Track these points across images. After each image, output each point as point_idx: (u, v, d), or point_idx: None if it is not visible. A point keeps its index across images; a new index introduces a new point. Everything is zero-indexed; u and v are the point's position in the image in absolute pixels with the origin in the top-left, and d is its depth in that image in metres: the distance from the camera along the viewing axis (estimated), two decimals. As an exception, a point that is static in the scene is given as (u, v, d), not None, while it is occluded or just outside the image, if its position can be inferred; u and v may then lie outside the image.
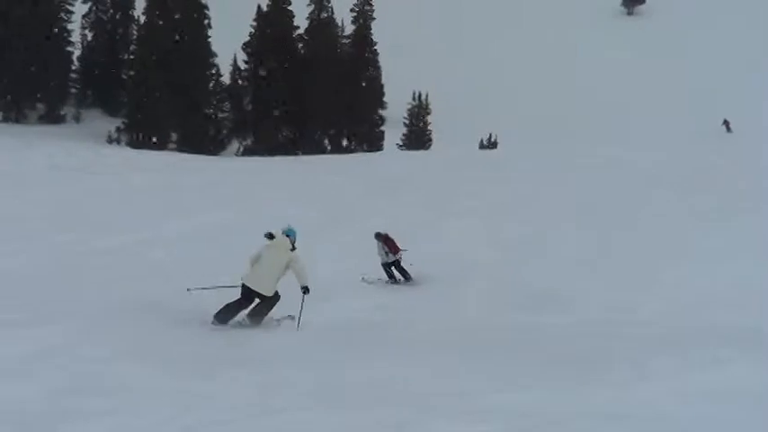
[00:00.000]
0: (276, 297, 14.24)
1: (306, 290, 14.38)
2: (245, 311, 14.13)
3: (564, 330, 15.91)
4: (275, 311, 14.41)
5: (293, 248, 14.42)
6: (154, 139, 57.59)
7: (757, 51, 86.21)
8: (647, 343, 13.39)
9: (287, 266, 14.18)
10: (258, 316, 14.16)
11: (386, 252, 21.99)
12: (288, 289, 14.54)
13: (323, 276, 18.85)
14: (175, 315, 14.00)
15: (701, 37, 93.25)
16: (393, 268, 21.98)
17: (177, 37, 61.14)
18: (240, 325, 14.01)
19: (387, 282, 21.78)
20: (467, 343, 13.97)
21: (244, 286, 14.01)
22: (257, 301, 14.11)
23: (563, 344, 14.08)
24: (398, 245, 21.94)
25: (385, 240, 22.02)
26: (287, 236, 14.48)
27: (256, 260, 14.24)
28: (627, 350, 12.90)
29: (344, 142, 65.93)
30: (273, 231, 14.51)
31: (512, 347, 13.72)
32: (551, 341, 14.59)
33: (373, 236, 22.18)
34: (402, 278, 21.95)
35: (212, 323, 13.67)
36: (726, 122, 68.34)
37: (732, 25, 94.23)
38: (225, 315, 13.87)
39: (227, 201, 32.59)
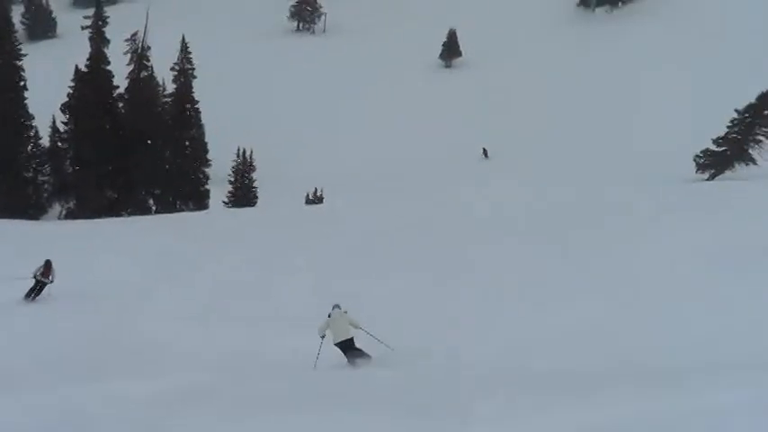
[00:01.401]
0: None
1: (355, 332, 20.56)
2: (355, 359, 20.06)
3: (393, 378, 17.11)
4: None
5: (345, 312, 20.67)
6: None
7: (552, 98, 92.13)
8: (472, 387, 14.53)
9: (350, 323, 20.31)
10: (361, 355, 20.11)
11: (41, 273, 28.54)
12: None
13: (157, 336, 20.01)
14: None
15: (507, 82, 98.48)
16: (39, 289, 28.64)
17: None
18: (356, 365, 19.87)
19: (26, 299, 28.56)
20: (287, 396, 15.03)
21: (340, 344, 20.14)
22: (351, 347, 20.20)
23: (392, 392, 15.19)
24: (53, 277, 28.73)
25: (48, 266, 28.62)
26: (339, 307, 20.76)
27: (331, 328, 20.32)
28: (451, 395, 14.01)
29: (170, 201, 65.69)
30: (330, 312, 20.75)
31: (334, 400, 14.74)
32: (379, 389, 15.72)
33: (44, 262, 28.72)
34: (33, 296, 28.66)
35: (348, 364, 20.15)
36: (484, 150, 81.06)
37: (530, 72, 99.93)
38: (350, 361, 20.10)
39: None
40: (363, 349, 20.11)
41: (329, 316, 20.63)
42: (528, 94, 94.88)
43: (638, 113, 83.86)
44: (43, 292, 28.77)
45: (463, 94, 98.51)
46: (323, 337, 20.36)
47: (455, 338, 21.07)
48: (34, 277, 28.67)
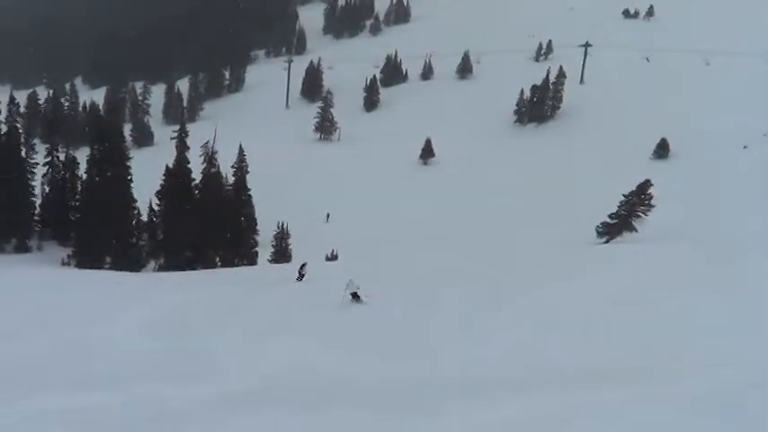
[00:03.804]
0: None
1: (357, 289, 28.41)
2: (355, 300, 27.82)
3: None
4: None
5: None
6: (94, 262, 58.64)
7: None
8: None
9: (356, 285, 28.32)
10: (358, 300, 27.77)
11: (301, 268, 37.59)
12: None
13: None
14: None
15: (468, 174, 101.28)
16: (301, 277, 37.27)
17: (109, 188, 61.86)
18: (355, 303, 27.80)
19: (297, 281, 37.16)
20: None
21: (351, 294, 28.06)
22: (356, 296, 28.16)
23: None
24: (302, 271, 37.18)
25: (303, 265, 37.46)
26: (352, 281, 28.34)
27: (349, 287, 28.20)
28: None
29: (229, 259, 67.37)
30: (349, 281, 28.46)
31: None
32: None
33: (302, 263, 38.02)
34: (300, 279, 37.19)
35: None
36: (327, 215, 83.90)
37: (484, 166, 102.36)
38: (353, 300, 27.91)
39: (151, 302, 34.32)
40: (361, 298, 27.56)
41: (349, 281, 28.03)
42: (481, 181, 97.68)
43: (558, 195, 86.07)
44: (304, 278, 36.94)
45: (435, 184, 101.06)
46: (345, 290, 27.95)
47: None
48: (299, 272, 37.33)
